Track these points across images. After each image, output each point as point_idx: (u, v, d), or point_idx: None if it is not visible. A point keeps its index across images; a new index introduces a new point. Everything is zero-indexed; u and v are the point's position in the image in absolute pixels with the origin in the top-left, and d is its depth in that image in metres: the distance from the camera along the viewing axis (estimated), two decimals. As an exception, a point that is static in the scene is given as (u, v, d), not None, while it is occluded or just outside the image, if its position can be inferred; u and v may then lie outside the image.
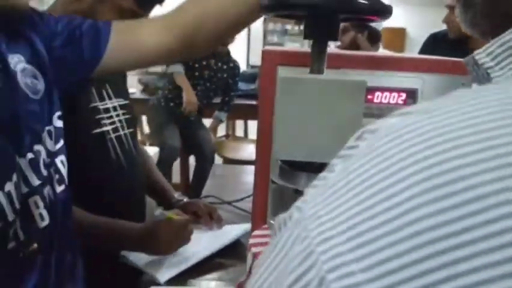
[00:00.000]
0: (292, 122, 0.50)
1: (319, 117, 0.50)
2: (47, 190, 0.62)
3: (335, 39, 0.53)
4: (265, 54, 0.69)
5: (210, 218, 1.07)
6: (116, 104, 1.05)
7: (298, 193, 0.55)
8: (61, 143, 0.68)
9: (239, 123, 4.39)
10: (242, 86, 3.34)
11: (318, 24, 0.52)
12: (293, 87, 0.49)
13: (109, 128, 1.01)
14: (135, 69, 0.85)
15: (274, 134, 0.52)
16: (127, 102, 1.10)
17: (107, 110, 1.02)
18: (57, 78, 0.67)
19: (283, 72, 0.54)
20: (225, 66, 2.79)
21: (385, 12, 0.50)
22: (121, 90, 1.10)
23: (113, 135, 1.02)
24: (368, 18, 0.54)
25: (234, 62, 2.89)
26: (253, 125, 4.24)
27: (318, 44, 0.54)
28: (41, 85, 0.63)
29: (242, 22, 0.73)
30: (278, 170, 0.57)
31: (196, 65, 2.65)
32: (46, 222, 0.62)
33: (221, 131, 4.29)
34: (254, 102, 3.18)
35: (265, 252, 0.26)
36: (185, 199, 1.18)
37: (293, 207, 0.25)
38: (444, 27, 1.96)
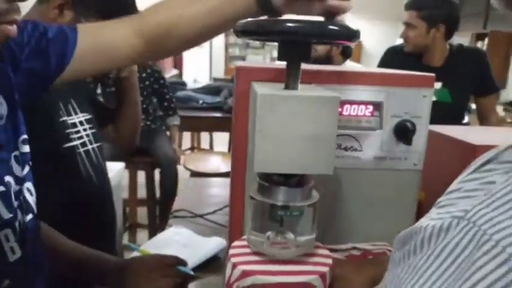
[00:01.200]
0: (271, 137, 0.52)
1: (296, 131, 0.52)
2: (17, 222, 0.59)
3: (308, 61, 0.56)
4: (239, 70, 0.71)
5: None
6: (82, 118, 1.05)
7: (275, 208, 0.57)
8: (27, 168, 0.65)
9: (204, 136, 4.38)
10: (207, 99, 3.36)
11: (292, 48, 0.55)
12: (272, 103, 0.52)
13: (77, 142, 1.01)
14: (104, 72, 0.82)
15: (254, 148, 0.54)
16: (91, 116, 1.10)
17: (74, 125, 1.02)
18: (25, 88, 0.64)
19: (260, 88, 0.56)
20: (144, 74, 2.72)
21: (354, 37, 0.54)
22: (84, 105, 1.09)
23: (81, 150, 1.02)
24: (338, 42, 0.57)
25: (150, 67, 2.79)
26: (217, 137, 4.25)
27: (291, 66, 0.56)
28: (3, 109, 0.60)
29: (214, 31, 0.73)
30: (257, 186, 0.58)
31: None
32: (17, 255, 0.59)
33: (186, 143, 4.27)
34: (219, 115, 3.20)
35: (408, 264, 0.28)
36: None
37: (445, 218, 0.27)
38: (397, 41, 2.06)
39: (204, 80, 5.52)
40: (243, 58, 7.91)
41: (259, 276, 0.55)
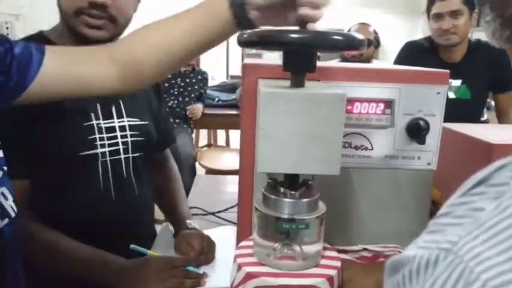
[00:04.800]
0: (275, 136, 0.51)
1: (301, 130, 0.51)
2: None
3: (313, 71, 0.55)
4: (245, 67, 0.70)
5: (201, 253, 0.93)
6: (126, 123, 0.97)
7: (281, 220, 0.55)
8: (0, 173, 0.62)
9: (220, 133, 4.39)
10: (222, 96, 3.36)
11: (296, 58, 0.54)
12: (275, 101, 0.50)
13: (104, 149, 0.93)
14: (76, 100, 0.78)
15: (257, 147, 0.53)
16: (142, 123, 1.01)
17: (110, 130, 0.94)
18: None
19: (264, 85, 0.54)
20: (193, 80, 3.05)
21: (359, 45, 0.52)
22: (137, 110, 1.02)
23: (108, 158, 0.94)
24: (344, 52, 0.56)
25: (202, 73, 3.15)
26: (234, 134, 4.25)
27: (296, 76, 0.55)
28: None
29: (191, 54, 0.70)
30: (262, 197, 0.57)
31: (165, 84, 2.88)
32: None
33: (203, 140, 4.28)
34: (235, 112, 3.19)
35: None
36: (196, 226, 1.04)
37: (433, 249, 0.26)
38: (415, 36, 2.00)
39: (221, 78, 5.52)
40: (260, 56, 7.88)
41: (263, 278, 0.54)
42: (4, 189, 0.61)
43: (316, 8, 0.60)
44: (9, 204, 0.61)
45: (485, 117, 2.71)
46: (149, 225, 1.13)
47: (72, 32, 0.88)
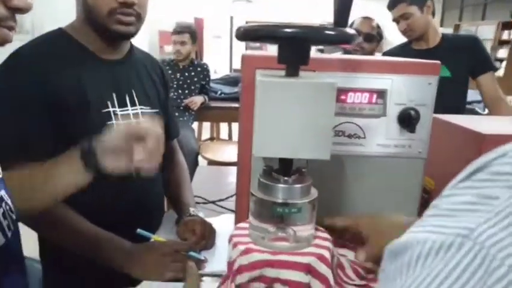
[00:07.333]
0: (270, 122, 0.54)
1: (294, 117, 0.54)
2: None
3: (306, 63, 0.58)
4: (244, 58, 0.73)
5: (202, 239, 0.98)
6: (139, 111, 1.05)
7: (275, 205, 0.58)
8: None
9: (223, 126, 4.41)
10: (225, 89, 3.39)
11: (291, 52, 0.57)
12: (271, 89, 0.53)
13: None
14: None
15: (254, 133, 0.56)
16: (153, 110, 1.09)
17: (126, 117, 1.02)
18: None
19: (261, 75, 0.57)
20: (193, 73, 3.10)
21: (350, 39, 0.55)
22: (147, 98, 1.09)
23: None
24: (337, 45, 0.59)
25: (202, 66, 3.17)
26: (236, 127, 4.25)
27: (291, 68, 0.58)
28: None
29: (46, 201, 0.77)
30: (257, 183, 0.60)
31: None
32: None
33: (206, 133, 4.31)
34: (237, 105, 3.20)
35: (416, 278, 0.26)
36: (199, 214, 1.08)
37: (447, 234, 0.26)
38: None
39: (225, 71, 5.54)
40: (262, 48, 7.87)
41: (258, 254, 0.57)
42: (3, 192, 0.63)
43: None
44: (9, 207, 0.65)
45: (486, 111, 2.73)
46: (161, 208, 1.19)
47: (101, 29, 0.97)
